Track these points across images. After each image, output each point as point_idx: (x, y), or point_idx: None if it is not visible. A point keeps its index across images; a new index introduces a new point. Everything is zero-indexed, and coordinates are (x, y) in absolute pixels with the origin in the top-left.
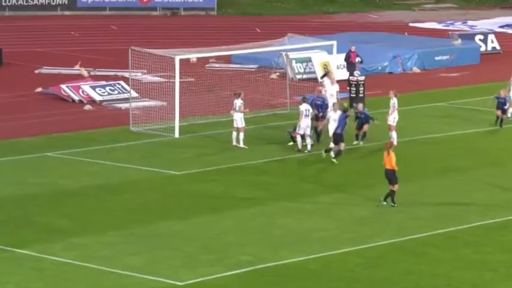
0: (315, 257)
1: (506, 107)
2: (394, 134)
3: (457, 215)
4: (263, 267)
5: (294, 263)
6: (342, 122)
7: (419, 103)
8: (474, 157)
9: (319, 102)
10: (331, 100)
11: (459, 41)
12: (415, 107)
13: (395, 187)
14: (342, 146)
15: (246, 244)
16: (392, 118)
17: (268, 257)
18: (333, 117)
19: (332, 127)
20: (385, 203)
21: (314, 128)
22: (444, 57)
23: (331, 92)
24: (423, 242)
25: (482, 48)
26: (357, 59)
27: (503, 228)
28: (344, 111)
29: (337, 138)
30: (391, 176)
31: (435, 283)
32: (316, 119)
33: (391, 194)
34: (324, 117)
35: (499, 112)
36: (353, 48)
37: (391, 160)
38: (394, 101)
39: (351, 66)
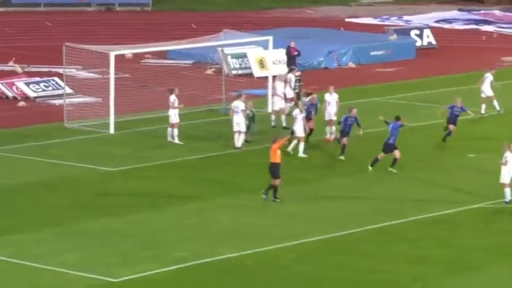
0: (251, 252)
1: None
2: (333, 129)
3: (392, 210)
4: (199, 264)
5: (230, 258)
6: (395, 131)
7: (355, 98)
8: (409, 152)
9: (310, 110)
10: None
11: (395, 36)
12: (350, 102)
13: (278, 181)
14: (397, 153)
15: (183, 240)
16: (333, 113)
17: (204, 253)
18: (298, 116)
19: (298, 126)
20: (265, 196)
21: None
22: (380, 52)
23: (281, 90)
24: (358, 237)
25: (418, 43)
26: (296, 53)
27: (438, 223)
28: (397, 119)
29: (389, 148)
30: (274, 170)
31: (371, 278)
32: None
33: (273, 188)
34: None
35: (452, 126)
36: (292, 44)
37: (275, 154)
38: (334, 96)
39: (290, 61)
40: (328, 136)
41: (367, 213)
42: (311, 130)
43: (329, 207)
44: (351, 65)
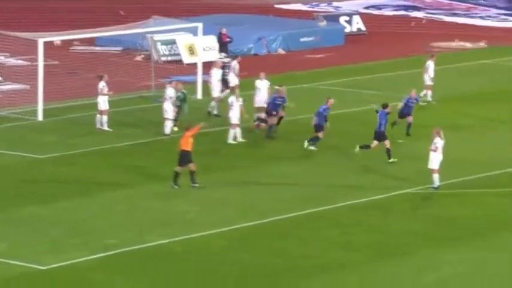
0: (180, 239)
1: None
2: (263, 116)
3: (322, 196)
4: (128, 251)
5: (158, 246)
6: (384, 119)
7: (285, 84)
8: (340, 138)
9: (278, 102)
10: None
11: (324, 22)
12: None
13: (193, 166)
14: (387, 143)
15: (112, 228)
16: (264, 100)
17: (133, 240)
18: (233, 103)
19: (233, 113)
20: (175, 185)
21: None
22: (309, 39)
23: (218, 77)
24: (289, 223)
25: (347, 30)
26: (228, 39)
27: (369, 209)
28: (384, 107)
29: (381, 136)
30: (183, 158)
31: (302, 264)
32: (269, 114)
33: (190, 174)
34: (276, 114)
35: (410, 118)
36: (224, 30)
37: (187, 141)
38: (266, 82)
39: (223, 47)
40: (257, 123)
41: (299, 199)
42: (280, 119)
43: (261, 194)
44: (281, 51)
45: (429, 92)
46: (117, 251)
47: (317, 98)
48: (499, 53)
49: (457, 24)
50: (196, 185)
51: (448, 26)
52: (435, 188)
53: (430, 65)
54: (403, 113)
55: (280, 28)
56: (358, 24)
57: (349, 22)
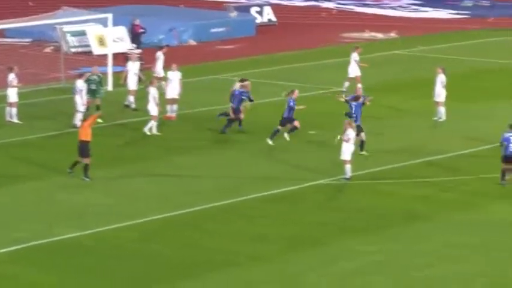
0: (90, 232)
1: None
2: (174, 107)
3: (235, 187)
4: (37, 244)
5: (68, 239)
6: (359, 110)
7: (197, 76)
8: (250, 130)
9: (244, 97)
10: (133, 78)
11: (235, 13)
12: (192, 79)
13: (87, 160)
14: (363, 135)
15: (20, 221)
16: (176, 92)
17: (43, 233)
18: (152, 94)
19: (151, 105)
20: (70, 170)
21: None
22: (220, 30)
23: (134, 71)
24: (200, 215)
25: (258, 20)
26: (141, 30)
27: (280, 200)
28: (357, 99)
29: (358, 129)
30: (83, 149)
31: (213, 257)
32: (234, 112)
33: (84, 167)
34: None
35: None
36: (137, 21)
37: (85, 131)
38: (177, 74)
39: (135, 38)
40: (169, 114)
41: (210, 192)
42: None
43: (173, 186)
44: (192, 42)
45: (359, 85)
46: (26, 244)
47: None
48: (410, 43)
49: (368, 14)
50: (88, 179)
51: (359, 16)
52: (347, 179)
53: (355, 57)
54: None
55: (191, 19)
56: (269, 15)
57: (260, 13)
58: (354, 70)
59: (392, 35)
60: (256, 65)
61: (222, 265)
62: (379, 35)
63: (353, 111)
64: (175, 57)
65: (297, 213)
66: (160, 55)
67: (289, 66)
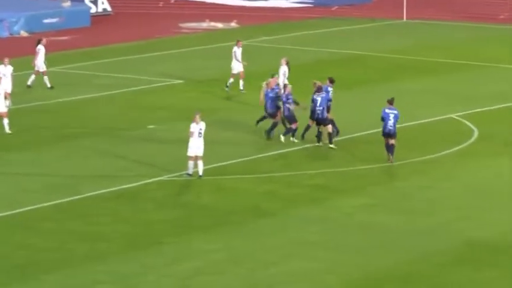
0: None
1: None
2: (7, 103)
3: (71, 185)
4: None
5: None
6: (324, 103)
7: (31, 68)
8: (86, 125)
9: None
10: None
11: (68, 3)
12: (27, 72)
13: None
14: (329, 128)
15: None
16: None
17: None
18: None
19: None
20: None
21: None
22: (53, 20)
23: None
24: (34, 215)
25: (93, 10)
26: None
27: (119, 198)
28: (319, 90)
29: (322, 121)
30: None
31: (46, 257)
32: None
33: None
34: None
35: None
36: None
37: None
38: (9, 68)
39: None
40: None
41: (44, 190)
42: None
43: (6, 184)
44: (24, 33)
45: (241, 81)
46: None
47: (62, 82)
48: (252, 33)
49: (207, 4)
50: None
51: (198, 5)
52: (189, 175)
53: (237, 51)
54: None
55: (22, 9)
56: (103, 4)
57: (95, 3)
58: (237, 66)
59: (233, 24)
60: (90, 57)
61: (58, 266)
62: (219, 25)
63: (317, 105)
64: (7, 50)
65: (137, 211)
66: (41, 48)
67: (125, 58)
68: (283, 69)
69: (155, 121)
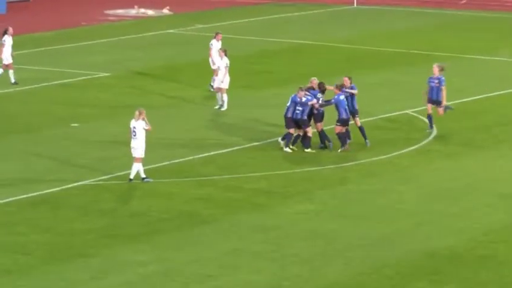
0: None
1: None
2: None
3: None
4: None
5: None
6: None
7: None
8: (3, 123)
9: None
10: None
11: None
12: None
13: None
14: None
15: None
16: None
17: None
18: None
19: None
20: None
21: None
22: None
23: None
24: None
25: None
26: None
27: (37, 205)
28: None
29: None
30: None
31: None
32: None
33: None
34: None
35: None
36: None
37: None
38: None
39: None
40: None
41: None
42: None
43: None
44: None
45: (225, 78)
46: None
47: None
48: (184, 20)
49: None
50: None
51: None
52: (131, 180)
53: (215, 44)
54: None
55: None
56: None
57: None
58: (217, 61)
59: (165, 11)
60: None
61: None
62: (150, 12)
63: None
64: None
65: (59, 220)
66: (7, 39)
67: (45, 48)
68: (225, 61)
69: (79, 119)
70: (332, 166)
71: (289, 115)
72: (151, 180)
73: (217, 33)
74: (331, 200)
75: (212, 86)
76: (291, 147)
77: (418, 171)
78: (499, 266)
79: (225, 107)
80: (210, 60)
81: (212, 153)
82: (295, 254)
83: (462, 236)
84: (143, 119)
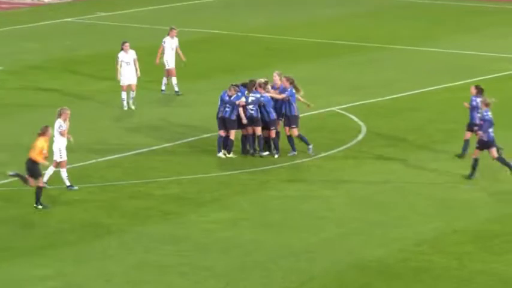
0: None
1: None
2: None
3: None
4: None
5: None
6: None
7: None
8: None
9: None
10: None
11: None
12: None
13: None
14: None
15: None
16: None
17: None
18: None
19: None
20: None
21: None
22: None
23: None
24: None
25: None
26: None
27: None
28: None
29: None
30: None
31: None
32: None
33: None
34: None
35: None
36: None
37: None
38: None
39: None
40: None
41: None
42: None
43: None
44: None
45: (174, 79)
46: None
47: None
48: (84, 8)
49: None
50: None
51: None
52: (70, 187)
53: (168, 41)
54: None
55: None
56: None
57: None
58: (170, 60)
59: None
60: None
61: None
62: None
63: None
64: None
65: None
66: None
67: None
68: (131, 55)
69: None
70: (251, 169)
71: (220, 115)
72: (76, 187)
73: (171, 29)
74: (250, 207)
75: (163, 90)
76: (223, 152)
77: (346, 175)
78: (435, 281)
79: (134, 105)
80: (164, 60)
81: (117, 155)
82: (209, 267)
83: (393, 247)
84: (64, 120)
